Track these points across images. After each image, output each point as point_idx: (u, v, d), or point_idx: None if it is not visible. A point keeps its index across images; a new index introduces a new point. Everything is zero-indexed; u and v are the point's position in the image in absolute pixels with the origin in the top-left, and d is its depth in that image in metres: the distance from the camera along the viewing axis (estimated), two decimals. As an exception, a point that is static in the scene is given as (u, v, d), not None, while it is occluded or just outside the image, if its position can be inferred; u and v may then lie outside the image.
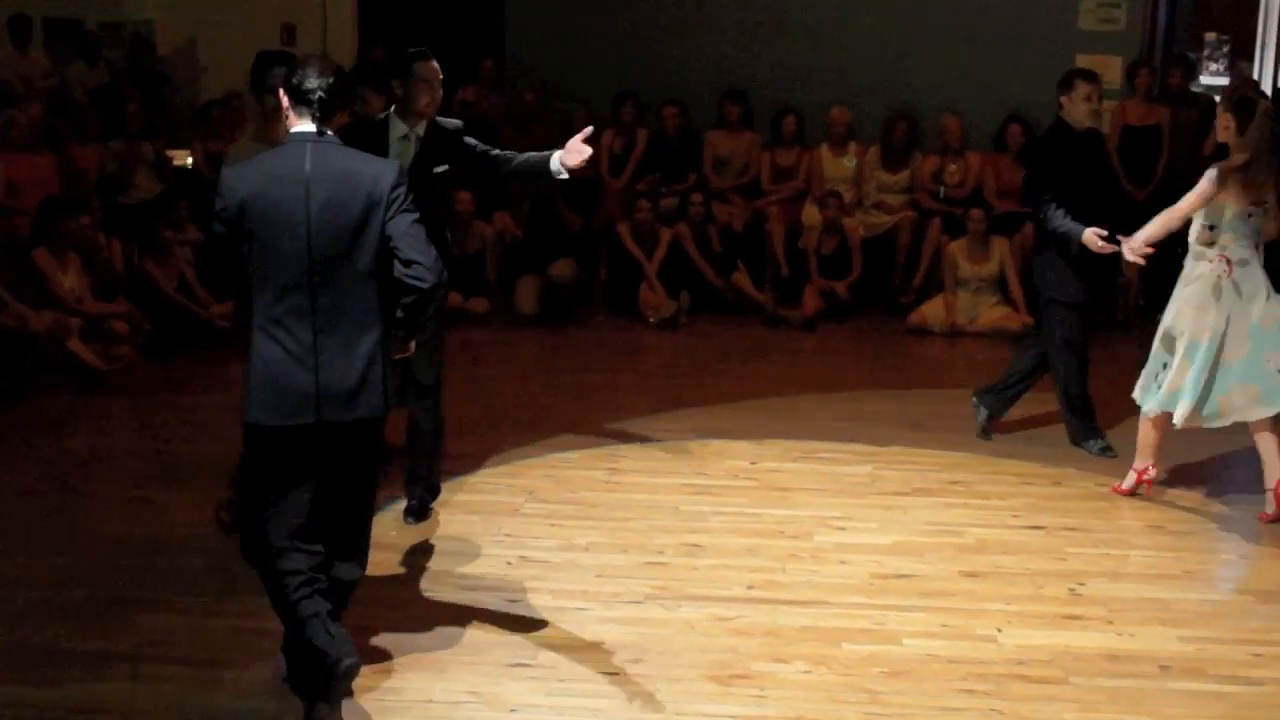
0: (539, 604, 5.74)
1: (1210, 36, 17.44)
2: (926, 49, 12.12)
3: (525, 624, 5.56)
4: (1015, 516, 6.86)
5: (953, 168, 11.70)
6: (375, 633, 5.37)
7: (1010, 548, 6.46)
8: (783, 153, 12.01)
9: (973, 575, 6.14)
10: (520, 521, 6.68)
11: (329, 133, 4.57)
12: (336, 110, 4.61)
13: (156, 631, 5.45)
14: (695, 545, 6.41)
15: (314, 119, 4.55)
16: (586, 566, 6.15)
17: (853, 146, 11.90)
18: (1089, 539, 6.59)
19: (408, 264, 4.52)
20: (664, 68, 12.33)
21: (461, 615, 5.61)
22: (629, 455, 7.70)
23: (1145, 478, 7.14)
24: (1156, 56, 12.20)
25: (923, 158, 11.82)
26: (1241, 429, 6.98)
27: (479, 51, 12.29)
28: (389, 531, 6.42)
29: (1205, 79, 16.16)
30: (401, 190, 4.56)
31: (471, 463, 7.40)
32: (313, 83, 4.55)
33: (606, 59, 12.39)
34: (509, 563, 6.17)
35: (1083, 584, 6.06)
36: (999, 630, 5.59)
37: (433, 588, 5.90)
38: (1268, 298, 6.80)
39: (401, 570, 6.09)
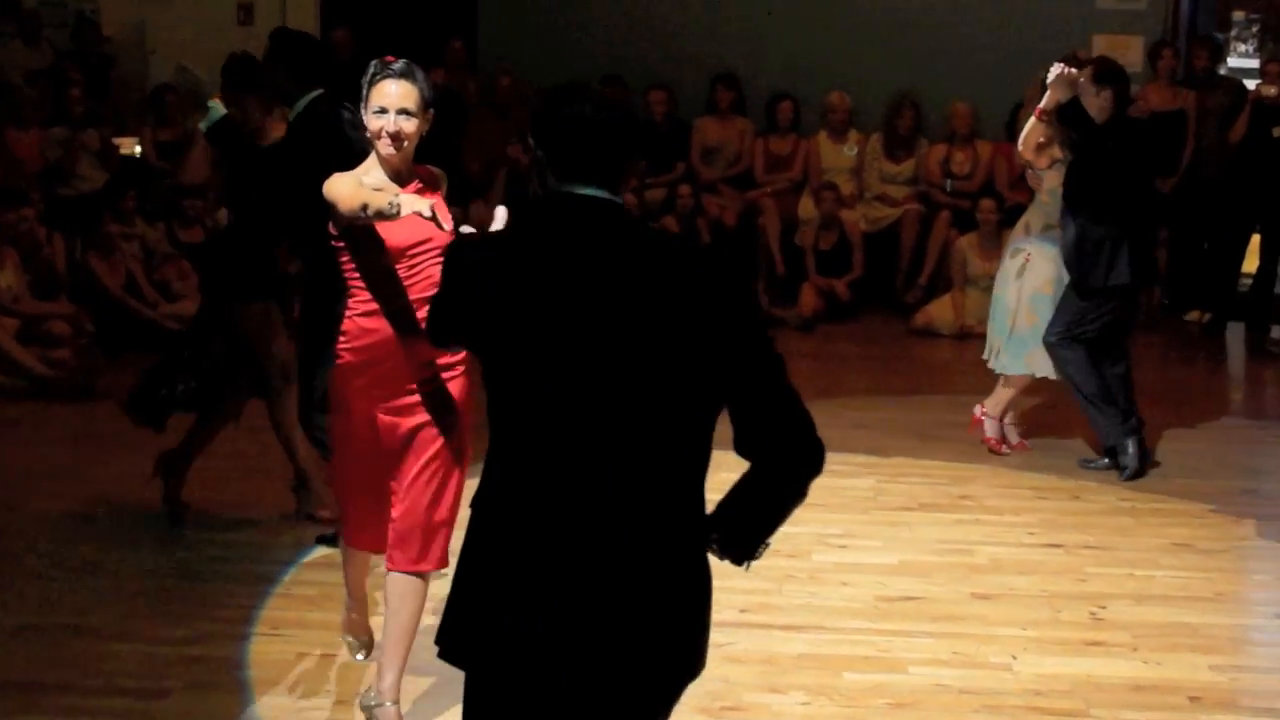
0: (514, 630, 5.65)
1: (1239, 15, 17.41)
2: (932, 29, 12.08)
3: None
4: (1031, 534, 6.84)
5: (961, 157, 11.68)
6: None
7: (1025, 568, 6.44)
8: (778, 141, 11.98)
9: (985, 598, 6.11)
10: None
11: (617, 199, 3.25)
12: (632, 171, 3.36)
13: (93, 660, 5.39)
14: (683, 565, 6.34)
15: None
16: (565, 589, 6.07)
17: (853, 134, 11.89)
18: (1111, 558, 6.57)
19: None
20: (650, 49, 12.26)
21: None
22: (612, 467, 7.61)
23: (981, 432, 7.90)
24: (1181, 37, 12.17)
25: (929, 146, 11.82)
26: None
27: (448, 31, 12.22)
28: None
29: (1233, 61, 16.13)
30: None
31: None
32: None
33: (588, 40, 12.33)
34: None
35: (1104, 607, 6.04)
36: (1014, 658, 5.56)
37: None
38: (1009, 255, 7.77)
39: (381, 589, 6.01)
